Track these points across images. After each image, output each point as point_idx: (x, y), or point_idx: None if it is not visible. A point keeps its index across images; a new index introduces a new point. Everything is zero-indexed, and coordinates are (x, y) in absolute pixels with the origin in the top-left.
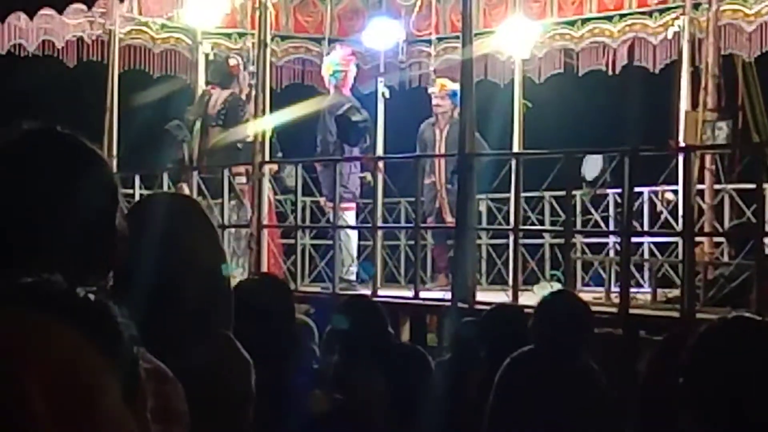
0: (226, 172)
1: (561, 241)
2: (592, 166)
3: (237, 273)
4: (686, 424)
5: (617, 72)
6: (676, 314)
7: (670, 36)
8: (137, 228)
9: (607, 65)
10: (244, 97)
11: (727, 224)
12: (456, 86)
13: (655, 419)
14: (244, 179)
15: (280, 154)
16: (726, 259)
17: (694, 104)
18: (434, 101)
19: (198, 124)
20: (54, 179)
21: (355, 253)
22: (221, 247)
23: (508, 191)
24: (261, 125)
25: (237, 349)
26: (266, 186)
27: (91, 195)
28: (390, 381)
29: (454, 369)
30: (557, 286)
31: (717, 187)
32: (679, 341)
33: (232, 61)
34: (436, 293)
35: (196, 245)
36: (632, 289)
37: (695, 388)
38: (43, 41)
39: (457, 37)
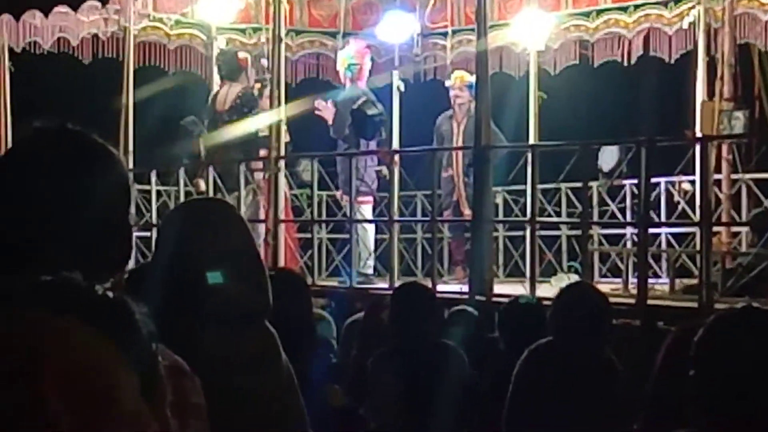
0: (242, 167)
1: (578, 232)
2: (609, 156)
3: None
4: (696, 415)
5: (633, 63)
6: (694, 304)
7: (685, 26)
8: (168, 233)
9: (622, 56)
10: (256, 92)
11: (744, 214)
12: (473, 79)
13: (666, 411)
14: (261, 174)
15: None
16: (744, 248)
17: (711, 94)
18: (453, 92)
19: (207, 121)
20: (66, 177)
21: (372, 247)
22: (249, 247)
23: (525, 183)
24: (276, 119)
25: (265, 340)
26: (282, 180)
27: (104, 191)
28: (416, 374)
29: (472, 361)
30: (575, 277)
31: (734, 176)
32: (693, 332)
33: (241, 55)
34: (454, 286)
35: (219, 247)
36: (650, 280)
37: (703, 380)
38: (59, 39)
39: (472, 30)
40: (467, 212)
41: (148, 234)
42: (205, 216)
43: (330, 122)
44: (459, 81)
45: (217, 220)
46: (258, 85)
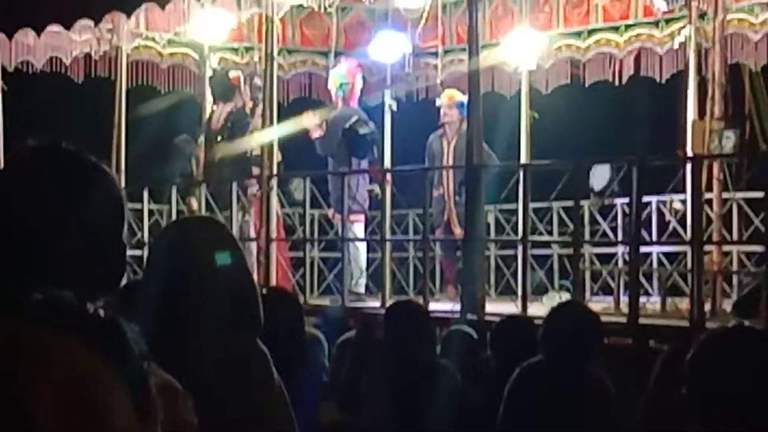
0: (234, 186)
1: (569, 251)
2: (600, 176)
3: None
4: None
5: (624, 82)
6: (685, 323)
7: (676, 46)
8: (161, 250)
9: (613, 76)
10: (248, 110)
11: (735, 233)
12: (464, 97)
13: (661, 428)
14: (255, 188)
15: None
16: (735, 267)
17: (701, 113)
18: (442, 111)
19: (201, 139)
20: (60, 195)
21: (364, 266)
22: (241, 264)
23: (517, 202)
24: (268, 138)
25: (253, 355)
26: (274, 199)
27: (98, 210)
28: (410, 393)
29: (469, 381)
30: (566, 296)
31: (725, 195)
32: (687, 351)
33: (232, 74)
34: (445, 305)
35: (211, 264)
36: (641, 299)
37: (697, 397)
38: (51, 58)
39: (464, 49)
40: (458, 231)
41: (140, 252)
42: (196, 234)
43: (315, 137)
44: (448, 99)
45: (209, 238)
46: (250, 104)
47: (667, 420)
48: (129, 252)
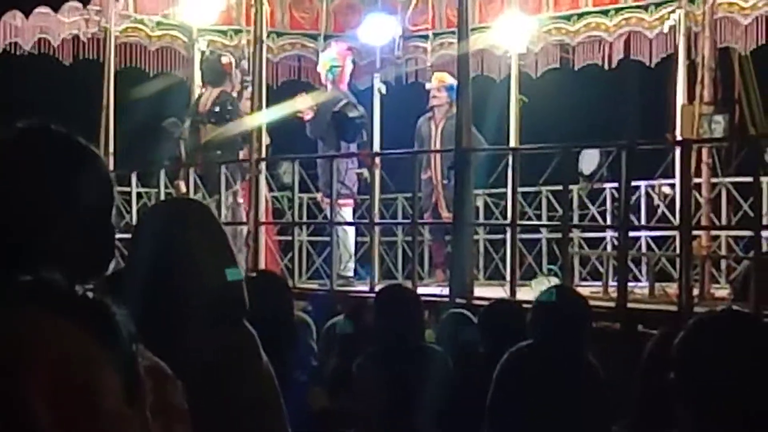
0: (223, 169)
1: (558, 235)
2: (589, 160)
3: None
4: (681, 417)
5: (613, 66)
6: (674, 308)
7: (666, 30)
8: (146, 233)
9: (603, 59)
10: (235, 94)
11: (724, 218)
12: (453, 81)
13: (653, 413)
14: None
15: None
16: (724, 252)
17: (691, 98)
18: (431, 94)
19: (188, 122)
20: (50, 178)
21: (352, 250)
22: (226, 248)
23: (505, 186)
24: (257, 122)
25: (243, 342)
26: (263, 182)
27: (87, 193)
28: (402, 377)
29: (452, 364)
30: (555, 280)
31: (714, 180)
32: (675, 335)
33: (224, 59)
34: (434, 289)
35: (198, 247)
36: (630, 284)
37: (684, 381)
38: (39, 40)
39: (453, 33)
40: (446, 214)
41: (128, 236)
42: (180, 216)
43: (306, 119)
44: (438, 82)
45: (193, 220)
46: (238, 88)
47: (658, 404)
48: (117, 236)
